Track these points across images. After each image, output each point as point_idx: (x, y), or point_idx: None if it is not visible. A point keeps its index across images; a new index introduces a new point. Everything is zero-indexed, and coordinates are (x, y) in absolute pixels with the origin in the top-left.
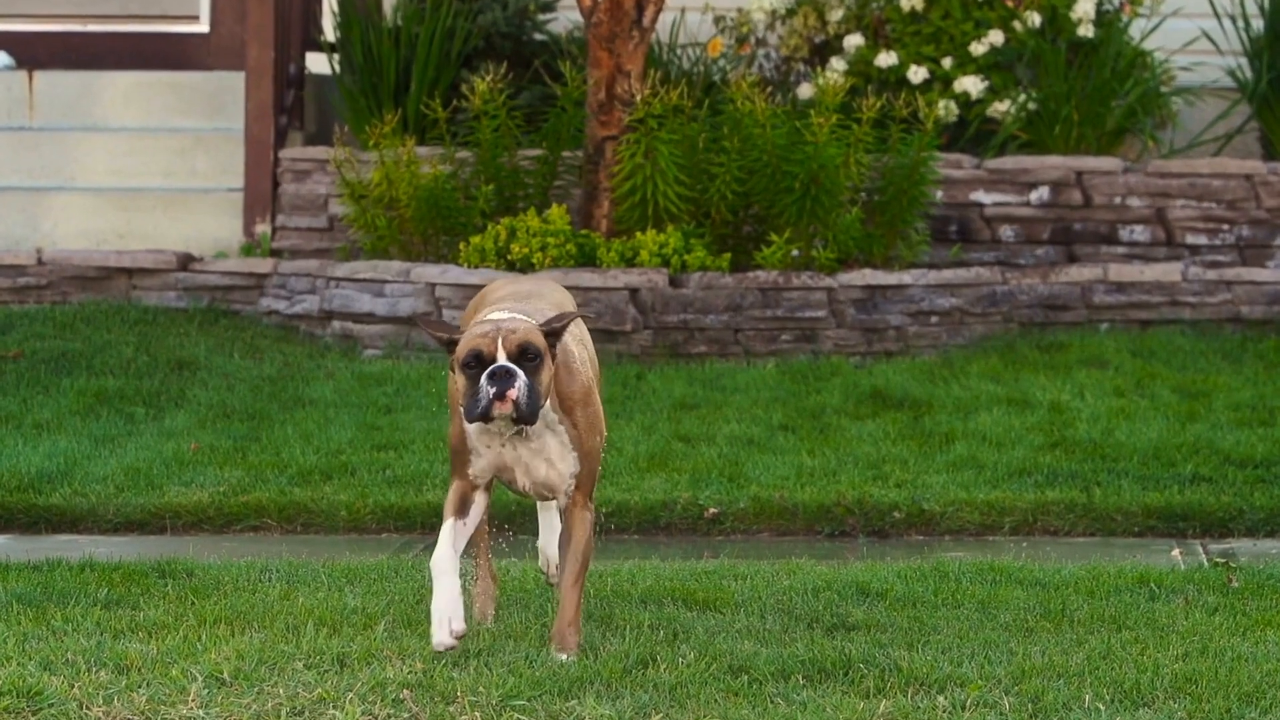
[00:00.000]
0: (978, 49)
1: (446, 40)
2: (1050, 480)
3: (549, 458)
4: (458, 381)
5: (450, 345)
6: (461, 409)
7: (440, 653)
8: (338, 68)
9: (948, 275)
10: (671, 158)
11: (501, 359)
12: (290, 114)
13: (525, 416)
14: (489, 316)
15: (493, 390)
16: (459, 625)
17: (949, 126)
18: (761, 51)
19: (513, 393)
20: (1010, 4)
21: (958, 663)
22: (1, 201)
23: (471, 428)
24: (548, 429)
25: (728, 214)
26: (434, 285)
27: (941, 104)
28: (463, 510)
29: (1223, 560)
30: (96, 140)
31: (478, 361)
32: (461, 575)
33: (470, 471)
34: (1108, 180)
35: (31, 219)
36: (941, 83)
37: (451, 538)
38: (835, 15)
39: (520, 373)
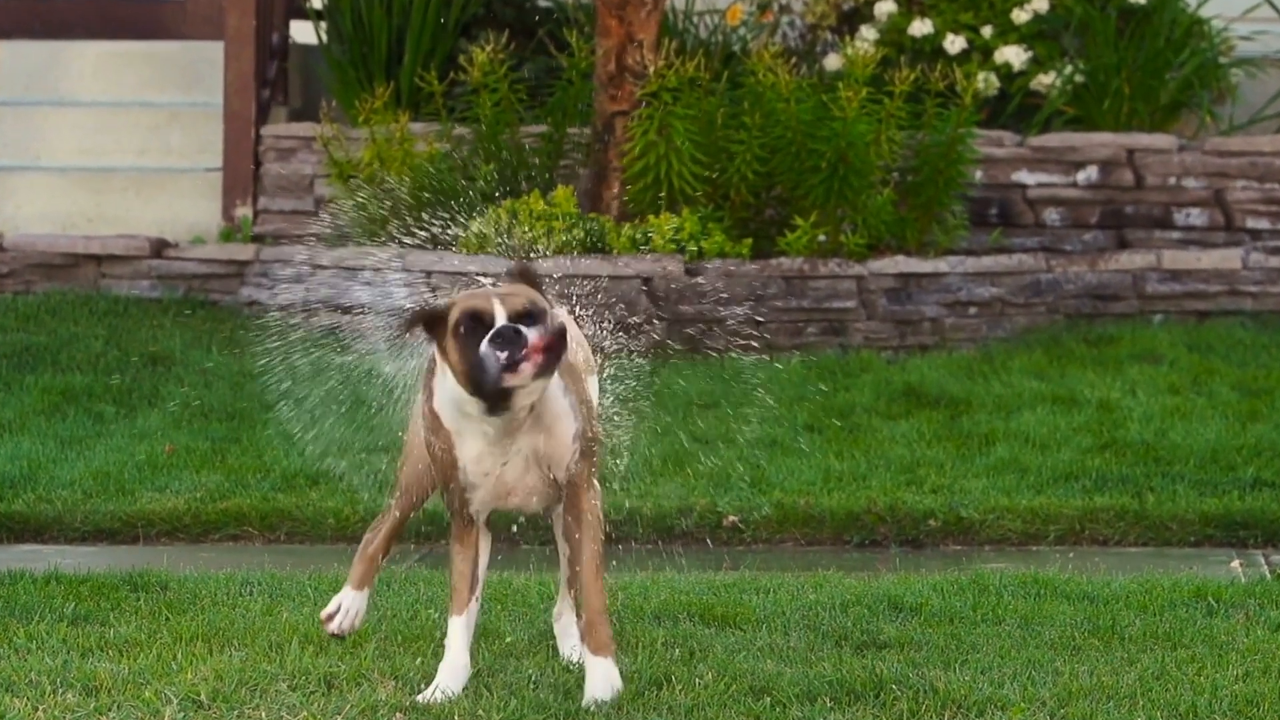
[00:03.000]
0: (1020, 16)
1: (443, 7)
2: (1099, 485)
3: (549, 426)
4: (450, 353)
5: (431, 320)
6: (464, 380)
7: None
8: (325, 37)
9: (987, 263)
10: (687, 134)
11: (502, 320)
12: (273, 87)
13: (547, 370)
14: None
15: (503, 356)
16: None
17: (989, 101)
18: (785, 19)
19: (530, 363)
20: None
21: (999, 684)
22: None
23: (470, 451)
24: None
25: (748, 196)
26: (430, 273)
27: (981, 76)
28: (473, 587)
29: None
30: (63, 116)
31: (476, 322)
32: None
33: (472, 509)
34: (1161, 159)
35: None
36: (981, 53)
37: (464, 639)
38: None
39: (529, 331)
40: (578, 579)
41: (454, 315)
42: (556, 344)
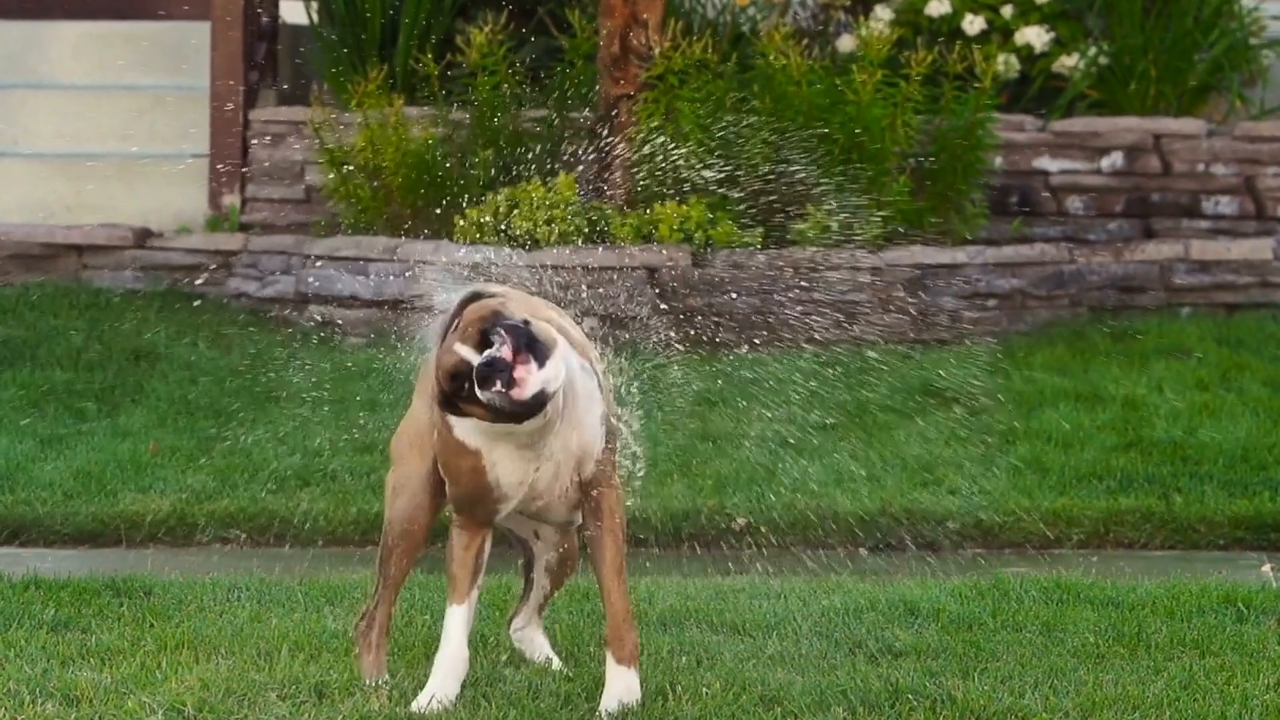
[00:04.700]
0: None
1: None
2: (1124, 486)
3: (579, 418)
4: (468, 411)
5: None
6: (504, 422)
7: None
8: (315, 16)
9: (1008, 253)
10: (695, 119)
11: (473, 359)
12: (262, 70)
13: (542, 360)
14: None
15: (499, 386)
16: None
17: (1009, 84)
18: None
19: (522, 369)
20: None
21: (1019, 693)
22: None
23: (504, 466)
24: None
25: (759, 183)
26: (425, 265)
27: (1001, 58)
28: (475, 576)
29: None
30: (43, 99)
31: (462, 379)
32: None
33: (499, 518)
34: (1189, 145)
35: None
36: (1001, 34)
37: (464, 627)
38: None
39: (500, 348)
40: (600, 583)
41: (444, 386)
42: (526, 340)
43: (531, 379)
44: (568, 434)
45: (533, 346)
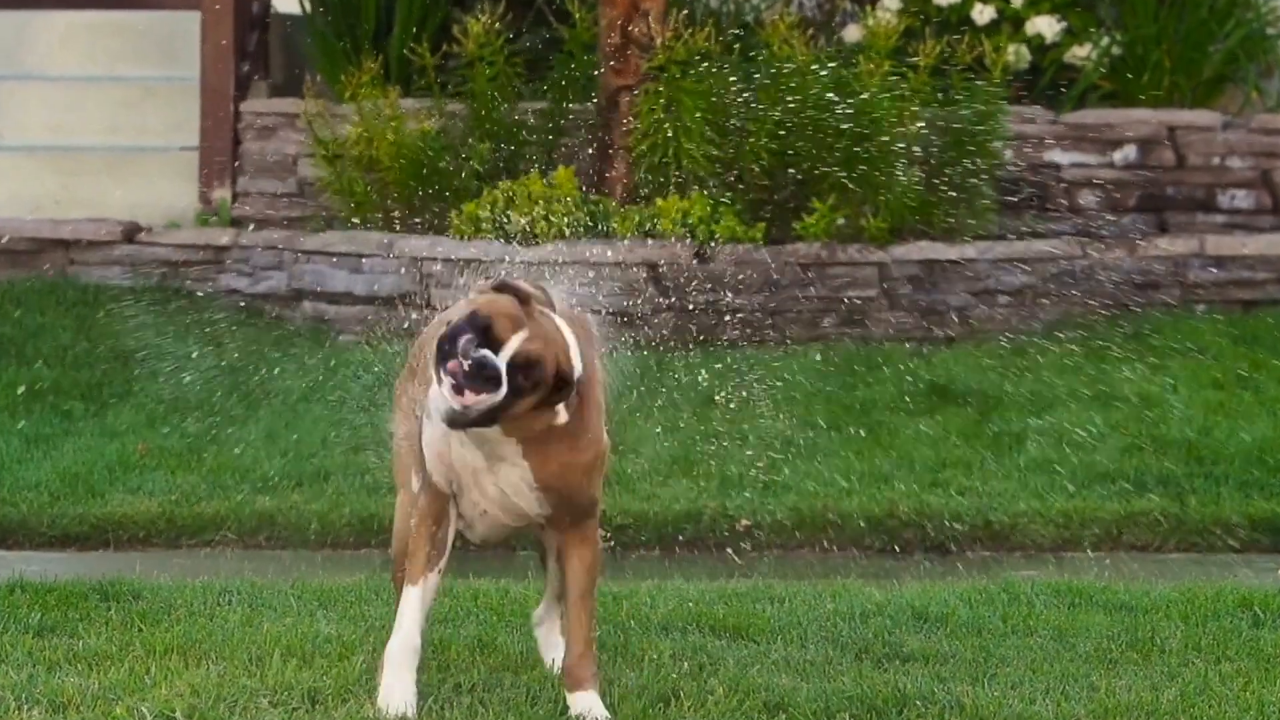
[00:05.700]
0: None
1: None
2: (1138, 487)
3: (502, 486)
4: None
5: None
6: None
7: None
8: (309, 6)
9: (1018, 248)
10: (697, 111)
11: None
12: (253, 60)
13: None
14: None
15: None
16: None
17: (1020, 75)
18: None
19: (453, 364)
20: None
21: (1030, 699)
22: None
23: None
24: (502, 453)
25: (762, 177)
26: (420, 260)
27: (1011, 48)
28: (435, 553)
29: None
30: (30, 91)
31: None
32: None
33: (433, 478)
34: (1204, 138)
35: None
36: (1011, 23)
37: (418, 611)
38: None
39: (469, 343)
40: (566, 600)
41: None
42: (471, 371)
43: (471, 399)
44: (502, 479)
45: (484, 376)
